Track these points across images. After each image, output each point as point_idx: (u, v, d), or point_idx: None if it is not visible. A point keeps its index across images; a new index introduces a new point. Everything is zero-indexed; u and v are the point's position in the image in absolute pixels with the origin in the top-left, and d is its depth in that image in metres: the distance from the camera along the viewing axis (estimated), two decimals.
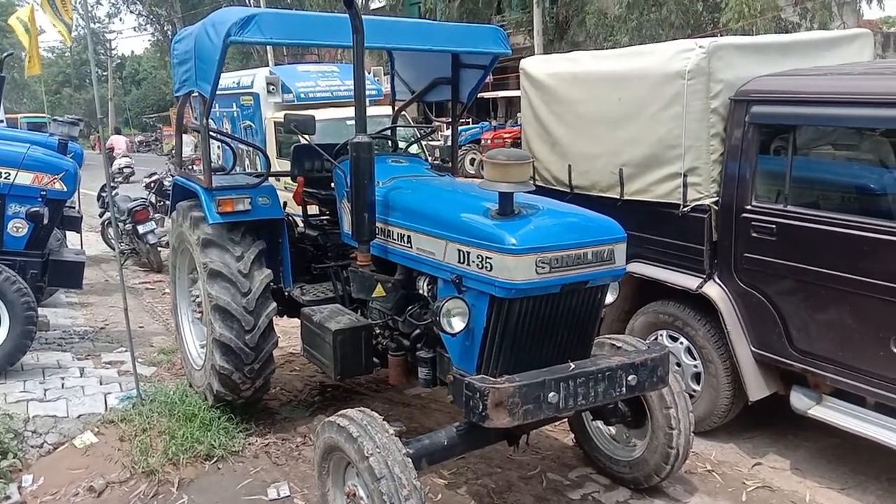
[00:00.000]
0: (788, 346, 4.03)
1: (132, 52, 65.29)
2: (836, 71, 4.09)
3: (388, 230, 3.87)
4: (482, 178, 3.34)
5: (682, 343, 4.57)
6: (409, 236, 3.70)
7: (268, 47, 26.81)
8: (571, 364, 3.23)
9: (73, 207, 8.00)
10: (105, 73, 56.31)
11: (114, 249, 10.52)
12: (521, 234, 3.08)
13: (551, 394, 3.07)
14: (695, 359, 4.52)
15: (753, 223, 4.08)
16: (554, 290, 3.16)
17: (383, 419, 3.21)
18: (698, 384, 4.52)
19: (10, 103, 42.15)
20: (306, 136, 4.36)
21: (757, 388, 4.20)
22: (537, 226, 3.17)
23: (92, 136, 41.45)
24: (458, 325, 3.21)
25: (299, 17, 4.18)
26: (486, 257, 3.13)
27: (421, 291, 3.73)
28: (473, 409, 3.07)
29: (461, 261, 3.29)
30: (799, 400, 4.09)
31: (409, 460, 3.04)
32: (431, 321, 3.35)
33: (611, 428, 4.13)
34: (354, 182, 3.62)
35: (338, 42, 4.08)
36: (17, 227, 5.66)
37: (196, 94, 4.58)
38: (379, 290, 3.85)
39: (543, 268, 3.06)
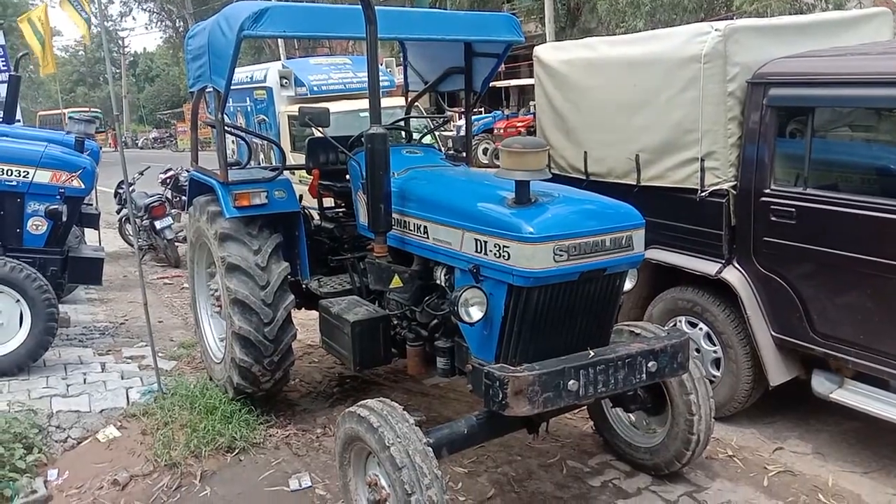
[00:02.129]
0: (809, 330, 4.00)
1: (144, 48, 65.76)
2: (854, 51, 4.04)
3: (405, 221, 3.87)
4: (495, 167, 3.33)
5: (701, 329, 4.55)
6: (425, 227, 3.70)
7: (279, 41, 26.85)
8: (591, 351, 3.22)
9: (91, 204, 8.08)
10: (119, 71, 56.68)
11: (132, 245, 10.62)
12: (539, 223, 3.07)
13: (571, 381, 3.06)
14: (714, 344, 4.50)
15: (772, 207, 4.04)
16: (572, 277, 3.15)
17: (403, 409, 3.22)
18: (718, 370, 4.50)
19: (27, 102, 42.50)
20: (321, 129, 4.36)
21: (777, 373, 4.17)
22: (554, 213, 3.16)
23: (110, 133, 41.77)
24: (476, 314, 3.20)
25: (312, 10, 4.18)
26: (504, 246, 3.12)
27: (438, 281, 3.73)
28: (493, 398, 3.07)
29: (478, 250, 3.28)
30: (820, 384, 4.06)
31: (430, 449, 3.04)
32: (449, 311, 3.36)
33: (630, 415, 4.12)
34: (370, 173, 3.62)
35: (351, 34, 4.08)
36: (37, 225, 5.72)
37: (210, 89, 4.60)
38: (396, 281, 3.86)
39: (561, 255, 3.05)
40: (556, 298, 3.20)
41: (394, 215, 3.82)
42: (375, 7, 3.59)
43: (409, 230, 3.84)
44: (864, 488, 3.88)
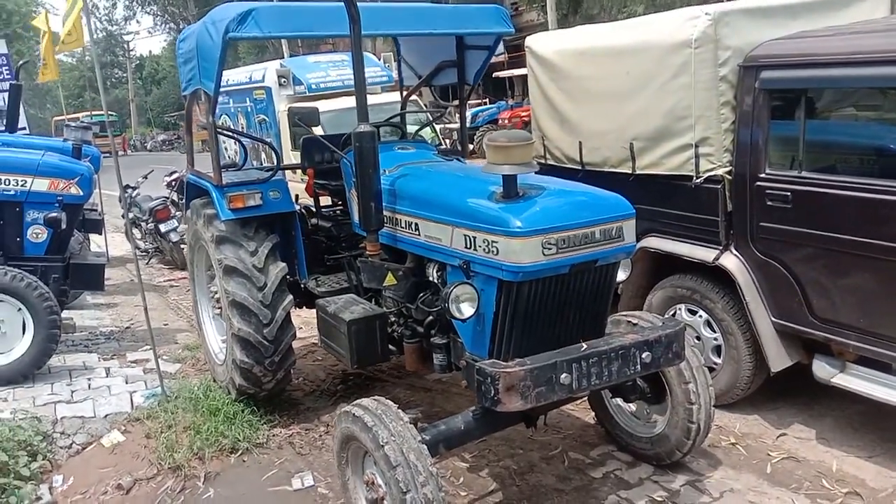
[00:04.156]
0: (809, 315, 3.96)
1: (150, 52, 65.89)
2: (847, 30, 3.97)
3: (396, 218, 3.86)
4: None
5: (701, 316, 4.51)
6: (416, 224, 3.69)
7: (282, 40, 26.83)
8: (584, 344, 3.20)
9: (96, 210, 8.11)
10: (125, 75, 56.93)
11: (138, 249, 10.68)
12: (526, 216, 3.05)
13: (563, 375, 3.04)
14: (715, 331, 4.46)
15: (768, 191, 4.00)
16: (563, 270, 3.13)
17: (398, 407, 3.21)
18: (719, 357, 4.46)
19: (35, 109, 42.75)
20: (311, 128, 4.35)
21: (778, 359, 4.13)
22: (542, 206, 3.14)
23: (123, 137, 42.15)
24: (467, 310, 3.19)
25: (297, 9, 4.16)
26: (492, 241, 3.10)
27: (431, 278, 3.72)
28: (486, 394, 3.06)
29: (468, 246, 3.27)
30: (822, 369, 4.02)
31: (425, 447, 3.04)
32: (442, 307, 3.35)
33: (631, 405, 4.10)
34: (359, 172, 3.61)
35: (338, 32, 4.05)
36: (37, 234, 5.75)
37: (202, 92, 4.60)
38: (390, 279, 3.85)
39: (550, 249, 3.03)
40: (548, 292, 3.18)
41: (385, 213, 3.80)
42: (363, 3, 3.57)
43: (401, 227, 3.83)
44: (868, 473, 3.84)
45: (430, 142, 5.72)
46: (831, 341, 3.93)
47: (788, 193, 3.90)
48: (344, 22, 3.63)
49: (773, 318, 4.12)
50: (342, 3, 3.57)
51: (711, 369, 4.39)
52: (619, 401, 4.11)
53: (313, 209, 5.33)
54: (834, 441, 4.17)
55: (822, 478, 3.82)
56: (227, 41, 3.90)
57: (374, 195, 3.64)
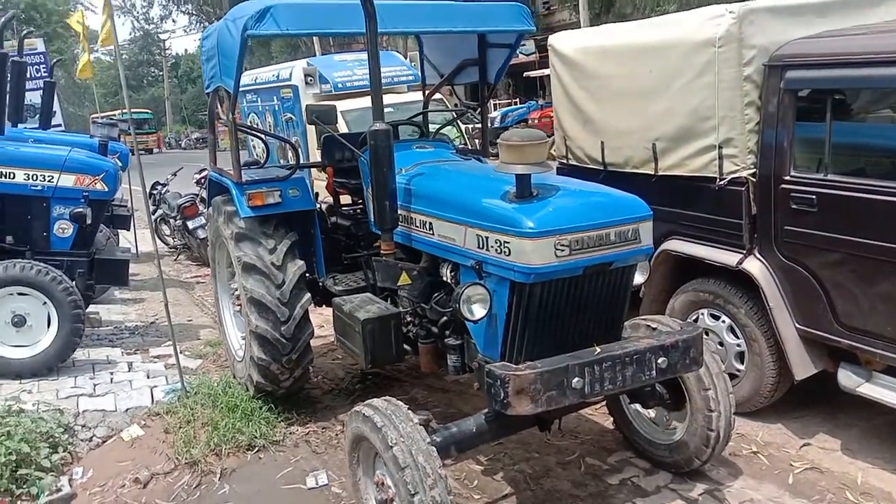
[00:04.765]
0: (834, 322, 3.84)
1: (186, 50, 66.77)
2: (876, 29, 3.84)
3: (411, 217, 3.83)
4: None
5: (724, 321, 4.42)
6: (430, 223, 3.66)
7: (314, 39, 27.00)
8: (597, 348, 3.14)
9: (125, 206, 8.23)
10: (161, 73, 57.78)
11: (167, 245, 10.82)
12: (539, 217, 3.00)
13: (575, 379, 2.99)
14: (738, 337, 4.36)
15: (793, 194, 3.89)
16: (576, 273, 3.07)
17: (409, 408, 3.19)
18: (742, 363, 4.36)
19: (73, 107, 43.61)
20: (329, 126, 4.34)
21: (802, 367, 4.02)
22: (556, 207, 3.09)
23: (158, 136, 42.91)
24: (478, 311, 3.15)
25: (316, 7, 4.15)
26: (504, 242, 3.06)
27: (445, 279, 3.69)
28: (495, 397, 3.01)
29: (480, 246, 3.23)
30: (847, 378, 3.90)
31: (434, 449, 3.01)
32: (454, 308, 3.31)
33: (649, 411, 4.02)
34: (374, 170, 3.59)
35: (356, 30, 4.02)
36: (63, 229, 5.83)
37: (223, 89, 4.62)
38: (404, 279, 3.83)
39: (563, 250, 2.97)
40: (561, 294, 3.13)
41: (401, 212, 3.78)
42: (382, 1, 3.54)
43: (416, 227, 3.81)
44: (894, 486, 3.72)
45: (453, 141, 5.68)
46: (857, 349, 3.82)
47: (814, 196, 3.79)
48: (363, 19, 3.61)
49: (798, 325, 4.02)
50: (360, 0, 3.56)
51: (734, 376, 4.30)
52: (637, 406, 4.04)
53: (333, 207, 5.33)
54: (859, 452, 4.05)
55: (845, 490, 3.71)
56: (245, 39, 3.91)
57: (388, 194, 3.62)
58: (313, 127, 9.49)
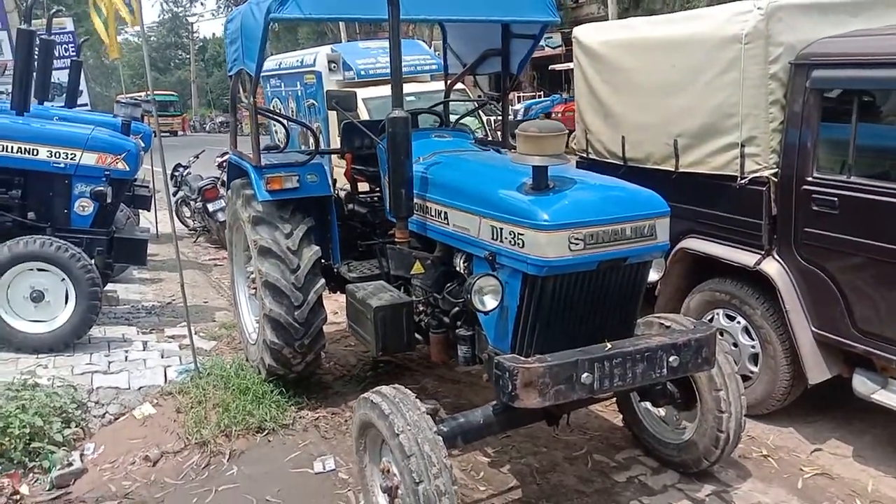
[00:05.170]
0: (851, 327, 3.79)
1: (213, 34, 67.03)
2: None
3: (427, 206, 3.82)
4: None
5: (739, 322, 4.37)
6: (445, 212, 3.64)
7: (340, 25, 27.01)
8: (608, 344, 3.11)
9: (147, 186, 8.29)
10: (188, 56, 58.09)
11: (187, 227, 10.91)
12: (554, 210, 2.97)
13: (585, 374, 2.97)
14: (753, 339, 4.31)
15: (815, 196, 3.83)
16: (590, 267, 3.05)
17: (417, 396, 3.18)
18: (756, 365, 4.31)
19: (100, 87, 43.98)
20: (348, 114, 4.34)
21: (817, 371, 3.97)
22: (572, 200, 3.06)
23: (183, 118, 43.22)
24: (490, 303, 3.14)
25: None
26: (519, 233, 3.04)
27: (458, 269, 3.68)
28: (503, 389, 3.00)
29: (494, 237, 3.21)
30: (862, 384, 3.85)
31: (440, 439, 3.00)
32: (466, 299, 3.30)
33: (659, 409, 3.99)
34: (391, 158, 3.59)
35: (379, 16, 4.01)
36: (84, 206, 5.88)
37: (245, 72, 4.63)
38: (417, 267, 3.82)
39: (577, 244, 2.95)
40: (573, 289, 3.10)
41: (416, 200, 3.77)
42: None
43: (431, 216, 3.79)
44: None
45: (474, 132, 5.65)
46: (874, 355, 3.76)
47: (836, 199, 3.73)
48: (386, 5, 3.59)
49: (814, 329, 3.96)
50: None
51: (747, 378, 4.26)
52: (647, 404, 4.01)
53: (351, 194, 5.33)
54: (871, 459, 4.00)
55: (855, 497, 3.67)
56: (268, 21, 3.91)
57: (405, 181, 3.61)
58: (334, 113, 9.55)
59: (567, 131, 3.23)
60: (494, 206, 3.23)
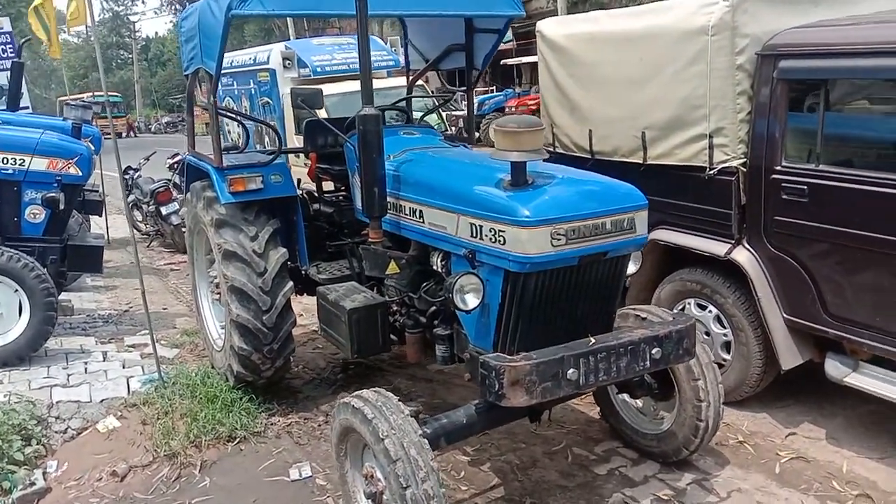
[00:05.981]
0: (822, 312, 3.85)
1: (156, 33, 65.67)
2: (870, 19, 3.83)
3: (400, 205, 3.75)
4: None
5: (710, 311, 4.41)
6: (420, 211, 3.58)
7: (288, 22, 26.65)
8: (592, 339, 3.10)
9: (97, 191, 8.01)
10: (131, 56, 56.67)
11: (139, 232, 10.60)
12: (535, 206, 2.94)
13: (570, 370, 2.95)
14: (725, 327, 4.36)
15: (784, 185, 3.88)
16: (571, 262, 3.02)
17: (398, 399, 3.12)
18: (729, 353, 4.36)
19: (39, 89, 42.64)
20: (314, 111, 4.24)
21: (789, 356, 4.03)
22: (552, 195, 3.03)
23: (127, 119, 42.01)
24: (472, 301, 3.09)
25: None
26: (499, 230, 3.00)
27: (435, 267, 3.62)
28: (490, 389, 2.96)
29: (474, 235, 3.16)
30: (834, 368, 3.92)
31: (426, 441, 2.94)
32: (446, 298, 3.25)
33: (637, 401, 4.01)
34: (363, 156, 3.51)
35: (342, 11, 3.92)
36: (35, 214, 5.65)
37: (204, 71, 4.49)
38: (392, 267, 3.75)
39: (559, 240, 2.92)
40: (555, 284, 3.08)
41: (389, 199, 3.70)
42: None
43: (405, 214, 3.73)
44: (879, 474, 3.75)
45: (436, 128, 5.60)
46: (845, 339, 3.83)
47: (805, 187, 3.78)
48: (350, 0, 3.51)
49: (786, 315, 4.02)
50: None
51: (720, 366, 4.30)
52: (625, 396, 4.02)
53: (315, 194, 5.22)
54: (844, 441, 4.07)
55: (831, 479, 3.73)
56: (229, 18, 3.79)
57: (377, 180, 3.54)
58: (291, 111, 9.39)
59: (543, 127, 3.20)
60: (473, 204, 3.18)
